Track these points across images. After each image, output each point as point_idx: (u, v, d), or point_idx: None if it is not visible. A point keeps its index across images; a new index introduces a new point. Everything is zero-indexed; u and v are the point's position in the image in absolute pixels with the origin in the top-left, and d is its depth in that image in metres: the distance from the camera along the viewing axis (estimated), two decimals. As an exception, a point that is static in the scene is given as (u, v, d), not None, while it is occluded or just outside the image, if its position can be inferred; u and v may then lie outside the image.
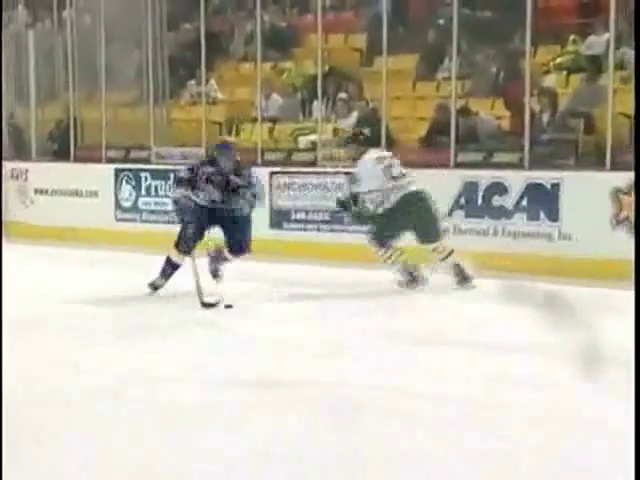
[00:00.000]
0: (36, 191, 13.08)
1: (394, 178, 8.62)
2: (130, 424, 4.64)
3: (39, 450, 4.27)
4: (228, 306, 7.76)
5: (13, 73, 13.83)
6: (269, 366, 5.83)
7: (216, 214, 8.46)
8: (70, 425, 4.63)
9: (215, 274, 8.68)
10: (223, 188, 8.45)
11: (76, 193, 12.44)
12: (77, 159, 12.89)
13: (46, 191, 12.92)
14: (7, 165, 13.43)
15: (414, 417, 4.71)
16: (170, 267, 8.53)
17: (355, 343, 6.47)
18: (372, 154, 8.90)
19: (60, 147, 13.13)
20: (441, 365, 5.78)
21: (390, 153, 9.05)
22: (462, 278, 8.56)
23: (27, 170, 13.25)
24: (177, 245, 8.48)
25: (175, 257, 8.50)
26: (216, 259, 8.73)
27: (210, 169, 8.47)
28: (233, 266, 8.78)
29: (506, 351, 6.07)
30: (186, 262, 8.34)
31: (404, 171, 8.71)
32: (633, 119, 8.52)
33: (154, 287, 8.50)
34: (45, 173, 13.04)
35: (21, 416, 4.67)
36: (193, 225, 8.41)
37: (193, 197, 8.45)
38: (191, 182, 8.44)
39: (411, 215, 8.53)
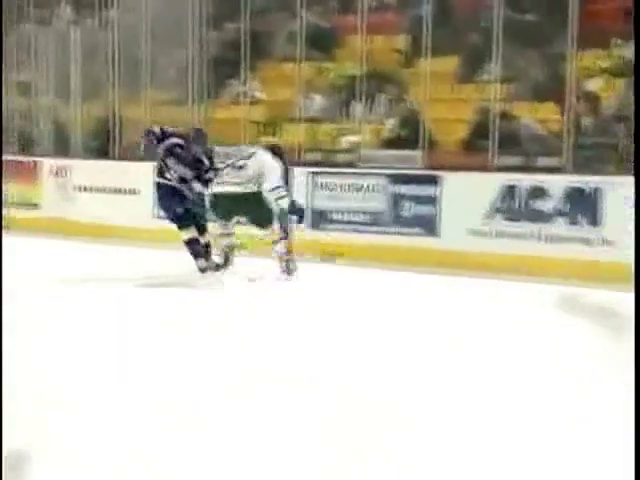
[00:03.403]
0: (77, 188, 13.17)
1: None
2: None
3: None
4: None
5: (56, 71, 13.93)
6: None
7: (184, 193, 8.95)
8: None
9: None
10: (191, 166, 8.95)
11: (116, 190, 12.53)
12: (118, 157, 13.00)
13: (87, 188, 13.01)
14: (48, 161, 13.56)
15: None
16: (193, 246, 8.94)
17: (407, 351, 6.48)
18: (263, 151, 9.16)
19: (101, 144, 13.23)
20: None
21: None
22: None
23: (69, 167, 13.35)
24: (179, 228, 9.01)
25: (185, 236, 8.95)
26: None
27: (178, 140, 9.04)
28: (272, 264, 8.87)
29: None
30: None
31: None
32: (633, 119, 8.48)
33: (202, 270, 8.95)
34: (86, 170, 13.13)
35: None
36: (172, 208, 9.01)
37: (162, 180, 9.05)
38: (159, 142, 9.03)
39: None
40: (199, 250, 8.96)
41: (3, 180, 13.77)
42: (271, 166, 9.01)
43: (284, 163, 9.18)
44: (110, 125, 13.19)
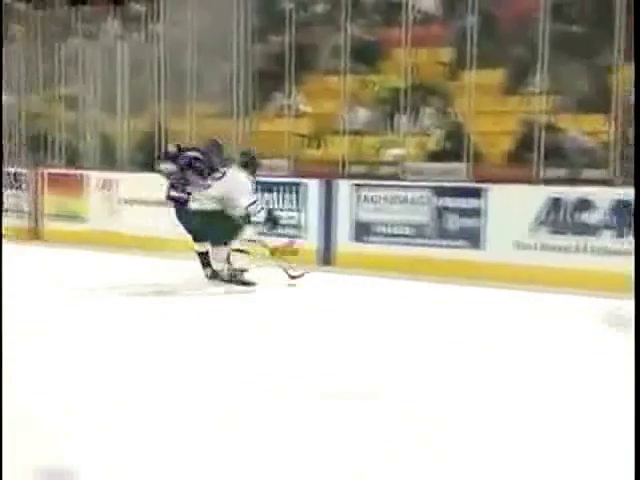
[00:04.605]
0: (123, 201, 13.25)
1: None
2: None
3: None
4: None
5: (103, 84, 14.05)
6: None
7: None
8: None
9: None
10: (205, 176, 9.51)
11: (161, 203, 12.59)
12: (164, 170, 13.07)
13: (132, 201, 13.07)
14: (94, 174, 13.66)
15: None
16: (202, 257, 9.56)
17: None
18: (234, 170, 9.43)
19: (147, 158, 13.29)
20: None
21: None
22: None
23: (115, 180, 13.43)
24: (194, 240, 9.73)
25: (197, 248, 9.63)
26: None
27: (195, 154, 9.58)
28: (315, 276, 8.87)
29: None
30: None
31: None
32: (633, 120, 8.37)
33: (209, 277, 9.54)
34: (132, 183, 13.20)
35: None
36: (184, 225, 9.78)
37: (176, 194, 9.82)
38: (175, 160, 9.54)
39: None
40: (208, 261, 9.53)
41: (47, 193, 13.94)
42: (243, 183, 9.34)
43: (253, 172, 9.54)
44: (156, 138, 13.25)
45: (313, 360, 6.25)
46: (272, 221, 9.73)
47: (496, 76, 10.88)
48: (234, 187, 9.28)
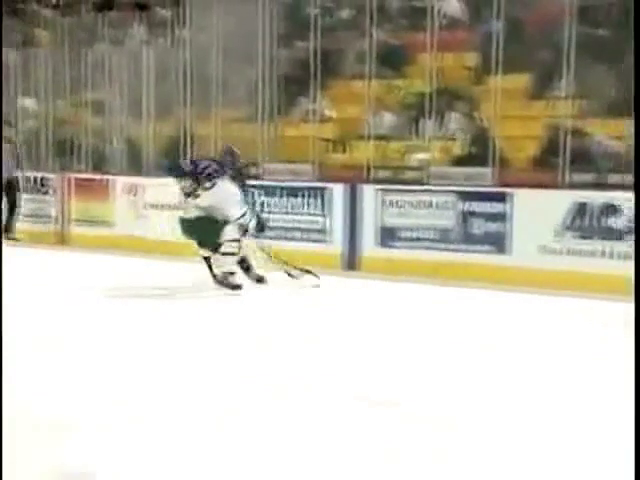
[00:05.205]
0: (149, 205, 13.29)
1: None
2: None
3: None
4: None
5: (129, 89, 14.10)
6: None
7: None
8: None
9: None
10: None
11: (187, 208, 12.66)
12: (189, 175, 13.09)
13: (158, 206, 13.11)
14: (120, 179, 13.71)
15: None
16: (206, 262, 9.54)
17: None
18: (224, 181, 9.52)
19: (173, 162, 13.31)
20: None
21: None
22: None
23: (141, 185, 13.47)
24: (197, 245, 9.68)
25: (201, 253, 9.61)
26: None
27: (211, 163, 9.64)
28: (339, 281, 8.87)
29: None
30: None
31: None
32: (633, 120, 8.30)
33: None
34: (157, 188, 13.22)
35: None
36: None
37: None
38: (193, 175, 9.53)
39: None
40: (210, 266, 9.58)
41: (74, 198, 14.08)
42: (233, 194, 9.48)
43: (242, 182, 9.74)
44: (181, 143, 13.29)
45: (334, 364, 6.23)
46: (260, 226, 9.81)
47: (522, 80, 10.84)
48: (224, 198, 9.41)
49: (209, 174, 9.49)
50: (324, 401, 5.22)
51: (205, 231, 9.41)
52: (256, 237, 9.79)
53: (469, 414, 5.03)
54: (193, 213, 9.52)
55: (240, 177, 9.68)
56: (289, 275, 9.71)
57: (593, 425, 4.83)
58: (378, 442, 4.48)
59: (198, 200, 9.49)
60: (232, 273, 9.39)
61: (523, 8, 11.09)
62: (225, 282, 9.33)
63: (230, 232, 9.31)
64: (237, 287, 9.34)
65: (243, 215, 9.42)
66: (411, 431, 4.69)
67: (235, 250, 9.36)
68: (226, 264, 9.36)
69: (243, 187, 9.72)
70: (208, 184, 9.47)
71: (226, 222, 9.34)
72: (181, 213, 9.81)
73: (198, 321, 7.87)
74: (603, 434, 4.65)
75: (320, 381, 5.72)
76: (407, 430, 4.70)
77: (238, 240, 9.38)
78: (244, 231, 9.46)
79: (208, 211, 9.42)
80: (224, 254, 9.34)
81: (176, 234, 10.14)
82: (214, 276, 9.42)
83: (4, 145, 14.40)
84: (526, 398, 5.37)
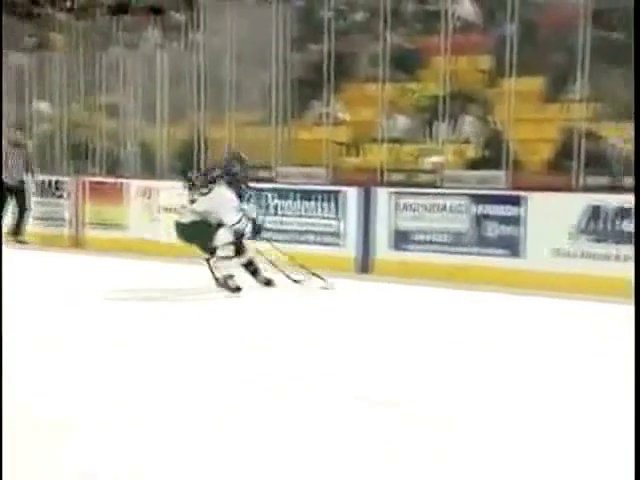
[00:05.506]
0: (162, 209, 13.30)
1: None
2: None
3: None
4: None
5: (143, 93, 14.13)
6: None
7: None
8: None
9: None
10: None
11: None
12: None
13: (172, 209, 13.10)
14: (134, 183, 13.73)
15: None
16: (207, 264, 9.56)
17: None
18: (220, 187, 9.53)
19: (186, 166, 13.32)
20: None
21: None
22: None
23: (154, 188, 13.49)
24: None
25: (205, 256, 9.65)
26: None
27: (219, 170, 9.67)
28: (353, 284, 8.85)
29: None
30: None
31: None
32: (633, 120, 8.34)
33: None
34: (171, 191, 13.23)
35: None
36: None
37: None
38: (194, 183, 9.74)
39: None
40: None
41: (88, 201, 14.15)
42: (229, 200, 9.48)
43: (239, 188, 9.66)
44: (195, 147, 13.31)
45: (347, 367, 6.22)
46: (256, 229, 9.82)
47: (536, 83, 10.82)
48: (220, 204, 9.43)
49: (212, 179, 9.53)
50: (324, 401, 5.22)
51: (199, 235, 9.48)
52: (261, 239, 9.92)
53: (470, 415, 5.01)
54: (188, 217, 9.60)
55: (237, 183, 9.65)
56: (290, 279, 9.71)
57: (601, 429, 4.81)
58: (378, 442, 4.47)
59: (195, 205, 9.57)
60: (231, 276, 9.39)
61: (537, 11, 11.08)
62: (225, 285, 9.35)
63: (223, 236, 9.35)
64: (237, 289, 9.35)
65: (239, 221, 9.44)
66: (411, 431, 4.67)
67: (230, 253, 9.40)
68: (223, 267, 9.38)
69: (240, 193, 9.69)
70: (205, 189, 9.52)
71: (220, 225, 9.38)
72: (176, 217, 9.91)
73: (204, 323, 7.89)
74: (605, 436, 4.63)
75: (320, 381, 5.72)
76: (407, 430, 4.69)
77: (232, 243, 9.40)
78: (240, 235, 9.49)
79: (203, 216, 9.47)
80: (220, 258, 9.36)
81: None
82: (216, 279, 9.43)
83: (14, 149, 14.45)
84: (535, 401, 5.35)
